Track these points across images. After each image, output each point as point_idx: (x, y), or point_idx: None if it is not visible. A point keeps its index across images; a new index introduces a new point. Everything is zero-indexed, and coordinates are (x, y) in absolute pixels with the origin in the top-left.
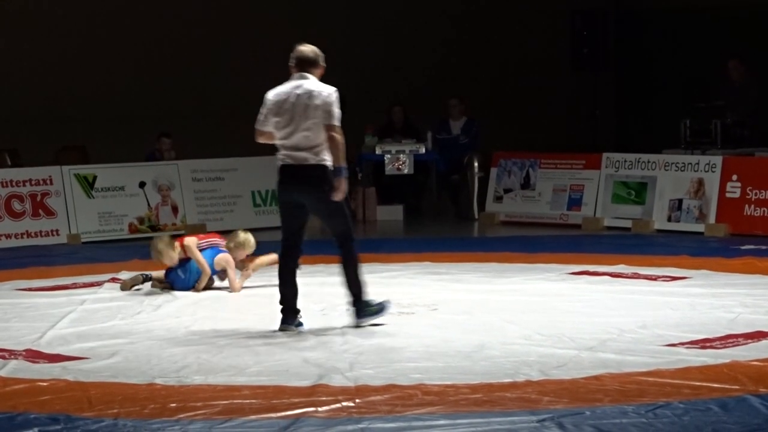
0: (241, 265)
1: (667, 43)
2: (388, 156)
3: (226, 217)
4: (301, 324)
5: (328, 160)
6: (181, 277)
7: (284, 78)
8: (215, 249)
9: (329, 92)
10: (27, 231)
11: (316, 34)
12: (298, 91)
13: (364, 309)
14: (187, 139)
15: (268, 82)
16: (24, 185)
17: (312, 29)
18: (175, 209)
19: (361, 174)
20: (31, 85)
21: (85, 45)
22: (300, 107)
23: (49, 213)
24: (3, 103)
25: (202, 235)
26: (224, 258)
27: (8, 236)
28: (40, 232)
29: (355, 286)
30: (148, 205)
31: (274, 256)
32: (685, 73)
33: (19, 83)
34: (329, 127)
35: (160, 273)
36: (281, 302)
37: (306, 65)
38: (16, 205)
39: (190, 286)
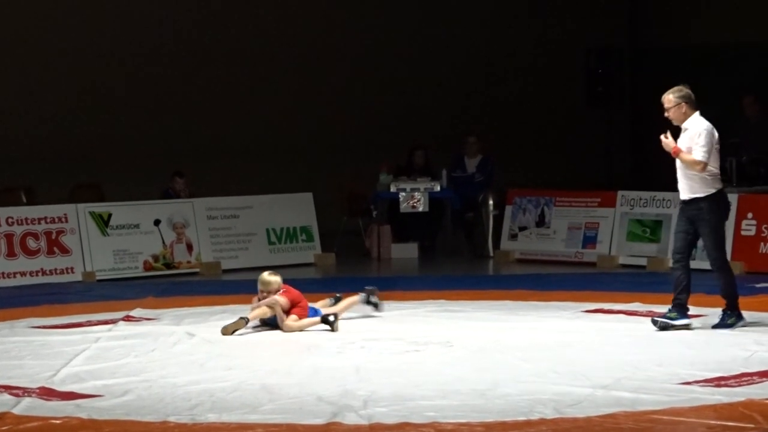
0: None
1: (682, 80)
2: (403, 194)
3: (241, 255)
4: None
5: None
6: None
7: (296, 118)
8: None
9: None
10: (42, 269)
11: (332, 77)
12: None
13: None
14: (202, 177)
15: (282, 122)
16: (39, 223)
17: (330, 72)
18: (189, 247)
19: (376, 212)
20: (46, 123)
21: (100, 84)
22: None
23: (64, 251)
24: (19, 142)
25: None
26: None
27: (23, 274)
28: (55, 269)
29: None
30: (163, 242)
31: (314, 320)
32: (700, 109)
33: (34, 121)
34: None
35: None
36: None
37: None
38: (31, 243)
39: None
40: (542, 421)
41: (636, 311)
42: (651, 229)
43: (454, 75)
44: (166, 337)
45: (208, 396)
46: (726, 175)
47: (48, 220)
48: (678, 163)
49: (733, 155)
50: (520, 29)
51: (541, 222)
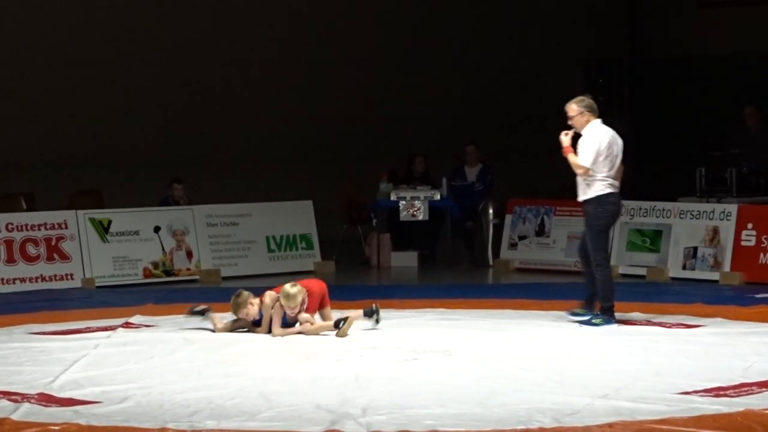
0: (294, 319)
1: (683, 91)
2: (403, 202)
3: (241, 263)
4: None
5: None
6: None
7: (296, 125)
8: None
9: None
10: (41, 275)
11: (332, 85)
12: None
13: None
14: (201, 184)
15: (282, 129)
16: (39, 229)
17: (330, 80)
18: (189, 254)
19: (376, 220)
20: (46, 129)
21: (99, 90)
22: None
23: (64, 257)
24: (19, 148)
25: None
26: (276, 305)
27: (23, 280)
28: (55, 276)
29: None
30: (163, 249)
31: (327, 324)
32: (700, 120)
33: (34, 128)
34: None
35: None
36: None
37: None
38: (31, 249)
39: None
40: (541, 431)
41: (635, 321)
42: (651, 239)
43: (454, 84)
44: (165, 344)
45: (207, 403)
46: (726, 185)
47: (48, 227)
48: None
49: (734, 166)
50: (520, 39)
51: (540, 231)
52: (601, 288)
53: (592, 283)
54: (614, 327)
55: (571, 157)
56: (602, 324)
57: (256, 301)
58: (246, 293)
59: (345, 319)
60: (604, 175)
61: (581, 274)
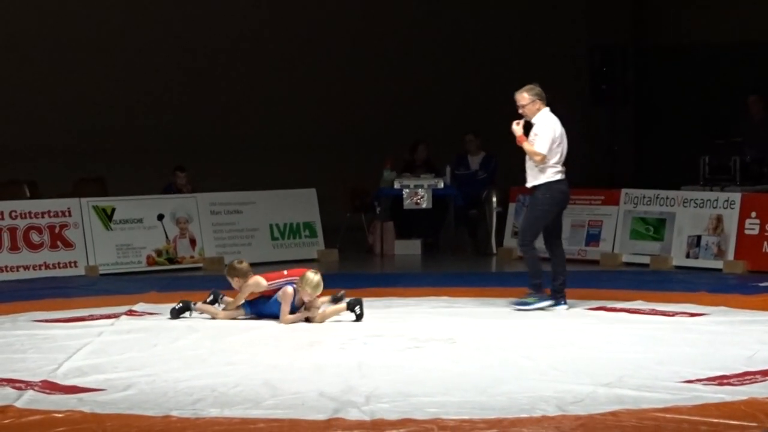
0: (310, 305)
1: (686, 79)
2: (407, 190)
3: (244, 250)
4: None
5: None
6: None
7: (300, 113)
8: (290, 284)
9: None
10: (45, 262)
11: (335, 72)
12: None
13: None
14: (205, 172)
15: (285, 117)
16: (42, 217)
17: (333, 66)
18: (193, 242)
19: (380, 208)
20: (49, 117)
21: (103, 78)
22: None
23: (68, 245)
24: (22, 135)
25: (289, 271)
26: (282, 291)
27: (26, 268)
28: (58, 263)
29: None
30: (166, 237)
31: (333, 308)
32: (704, 109)
33: (37, 115)
34: None
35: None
36: None
37: None
38: (35, 237)
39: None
40: (544, 419)
41: (639, 309)
42: (654, 228)
43: (457, 71)
44: (168, 332)
45: (211, 391)
46: (729, 174)
47: (51, 214)
48: (527, 154)
49: (737, 154)
50: (524, 27)
51: None
52: (530, 266)
53: (560, 270)
54: (548, 303)
55: (527, 146)
56: (536, 302)
57: (255, 280)
58: (247, 265)
59: (359, 302)
60: (555, 161)
61: (548, 261)
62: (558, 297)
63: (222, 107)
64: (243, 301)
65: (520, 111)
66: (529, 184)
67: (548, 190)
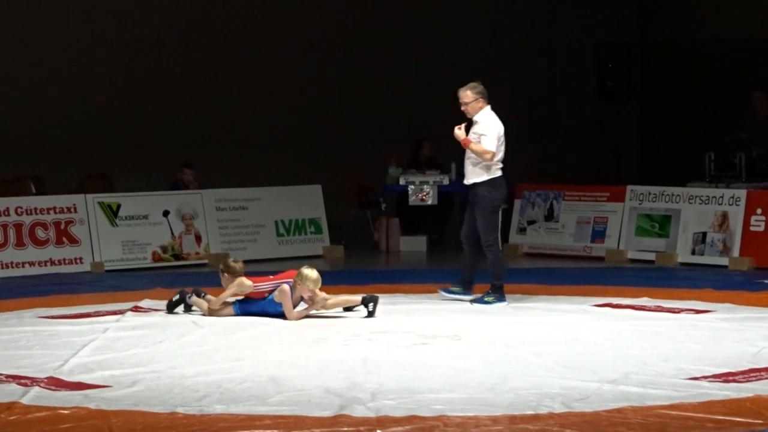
0: (310, 301)
1: (691, 76)
2: (412, 187)
3: (250, 247)
4: None
5: None
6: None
7: (305, 109)
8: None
9: None
10: (51, 259)
11: (341, 69)
12: None
13: None
14: (211, 168)
15: (291, 113)
16: (48, 213)
17: (340, 62)
18: (198, 238)
19: (385, 204)
20: (55, 113)
21: (109, 74)
22: None
23: (73, 241)
24: (28, 132)
25: (275, 276)
26: (280, 290)
27: (32, 264)
28: (64, 260)
29: None
30: (172, 233)
31: (344, 298)
32: (709, 105)
33: (43, 112)
34: None
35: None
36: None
37: None
38: (40, 233)
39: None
40: (550, 416)
41: (644, 306)
42: (660, 224)
43: (462, 68)
44: (174, 328)
45: (216, 387)
46: (735, 170)
47: (57, 210)
48: (467, 152)
49: (743, 151)
50: (529, 23)
51: (549, 216)
52: (492, 266)
53: (471, 265)
54: (504, 305)
55: (474, 146)
56: (494, 302)
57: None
58: (242, 265)
59: (374, 299)
60: (498, 158)
61: (461, 256)
62: (467, 288)
63: (228, 104)
64: (231, 300)
65: (463, 108)
66: (469, 182)
67: (492, 186)
